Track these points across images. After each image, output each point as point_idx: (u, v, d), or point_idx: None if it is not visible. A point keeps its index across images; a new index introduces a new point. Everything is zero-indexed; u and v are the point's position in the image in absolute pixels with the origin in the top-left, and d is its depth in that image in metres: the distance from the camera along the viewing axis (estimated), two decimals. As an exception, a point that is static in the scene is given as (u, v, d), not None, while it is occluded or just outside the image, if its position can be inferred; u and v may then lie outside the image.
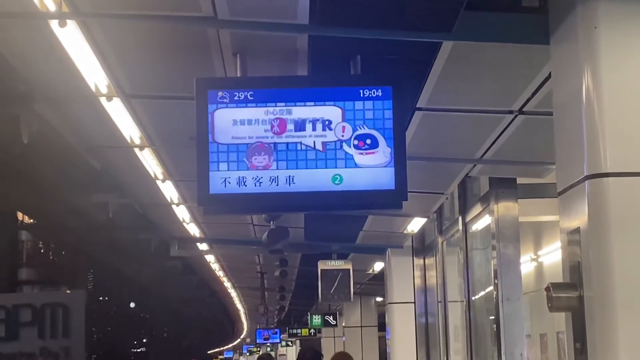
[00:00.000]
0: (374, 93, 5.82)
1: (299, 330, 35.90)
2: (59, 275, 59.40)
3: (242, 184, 5.75)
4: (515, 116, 7.07)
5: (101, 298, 79.27)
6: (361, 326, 26.77)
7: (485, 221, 9.93)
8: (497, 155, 8.25)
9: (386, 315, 15.86)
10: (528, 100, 6.66)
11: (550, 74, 5.56)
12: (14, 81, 7.64)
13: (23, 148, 9.83)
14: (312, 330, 33.47)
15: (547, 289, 4.78)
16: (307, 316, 30.45)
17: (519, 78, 6.31)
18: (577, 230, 4.72)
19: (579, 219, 4.71)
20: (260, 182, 5.75)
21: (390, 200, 5.92)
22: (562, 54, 5.05)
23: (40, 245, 63.01)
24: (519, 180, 9.28)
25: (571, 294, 4.72)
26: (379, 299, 25.80)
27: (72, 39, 5.95)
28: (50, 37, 5.85)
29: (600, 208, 4.54)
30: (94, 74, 6.67)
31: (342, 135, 5.78)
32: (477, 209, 10.07)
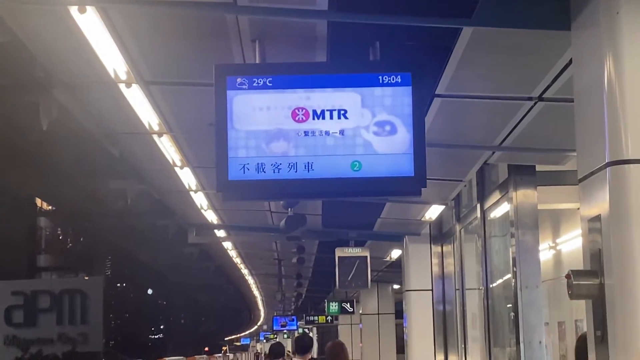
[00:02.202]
0: (393, 79, 5.79)
1: (316, 318, 36.00)
2: (77, 262, 59.65)
3: (261, 170, 5.74)
4: (535, 103, 7.04)
5: (119, 285, 79.50)
6: (378, 313, 26.79)
7: (503, 208, 9.90)
8: (516, 142, 8.21)
9: (403, 302, 15.85)
10: (548, 86, 6.62)
11: (571, 60, 5.52)
12: (33, 68, 7.66)
13: (42, 135, 9.88)
14: (329, 318, 33.57)
15: (568, 276, 4.76)
16: (324, 303, 30.52)
17: (539, 64, 6.27)
18: (598, 218, 4.70)
19: (599, 206, 4.69)
20: (279, 169, 5.74)
21: (409, 187, 5.90)
22: (583, 39, 5.01)
23: (59, 232, 63.30)
24: (538, 168, 9.25)
25: (592, 282, 4.69)
26: (396, 286, 25.81)
27: (91, 26, 5.95)
28: (70, 23, 5.86)
29: (622, 195, 4.51)
30: (113, 60, 6.67)
31: (361, 122, 5.76)
32: (496, 196, 10.05)
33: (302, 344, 10.06)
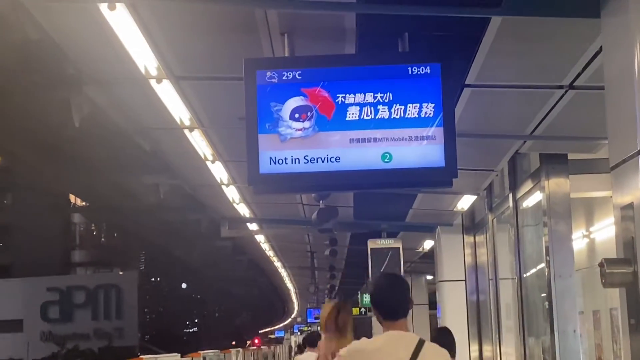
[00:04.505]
0: (422, 70, 5.79)
1: (349, 310, 35.96)
2: (111, 257, 60.06)
3: (292, 162, 5.77)
4: (566, 91, 7.01)
5: (153, 279, 79.94)
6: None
7: (536, 198, 9.87)
8: (547, 131, 8.18)
9: (437, 293, 15.83)
10: (579, 74, 6.59)
11: (601, 48, 5.49)
12: (64, 65, 7.72)
13: (74, 131, 9.95)
14: (362, 310, 33.57)
15: (601, 264, 4.74)
16: (357, 295, 30.52)
17: (569, 52, 6.24)
18: (630, 206, 4.67)
19: (632, 194, 4.66)
20: (310, 161, 5.76)
21: (440, 178, 5.90)
22: (613, 27, 4.98)
23: (93, 228, 63.72)
24: (570, 156, 9.21)
25: (625, 270, 4.67)
26: (429, 277, 25.78)
27: (121, 22, 5.99)
28: (100, 20, 5.90)
29: (654, 182, 4.48)
30: (143, 56, 6.71)
31: (391, 113, 5.76)
32: (528, 185, 10.01)
33: (311, 339, 11.91)
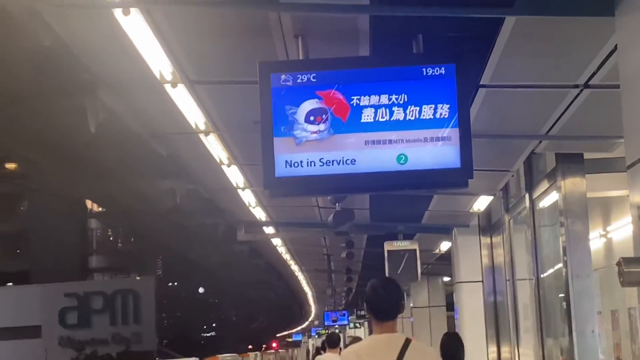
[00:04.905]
0: (437, 71, 5.78)
1: (366, 312, 35.94)
2: (128, 262, 60.22)
3: (307, 165, 5.76)
4: (581, 90, 6.99)
5: (170, 284, 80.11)
6: (429, 306, 26.73)
7: (552, 198, 9.84)
8: (563, 130, 8.16)
9: (454, 294, 15.80)
10: (594, 74, 6.57)
11: (615, 47, 5.47)
12: (79, 71, 7.76)
13: (90, 137, 9.98)
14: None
15: (619, 263, 4.72)
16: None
17: (583, 51, 6.22)
18: (647, 204, 4.66)
19: (649, 192, 4.65)
20: (326, 164, 5.76)
21: (455, 179, 5.89)
22: (627, 25, 4.97)
23: (109, 233, 63.88)
24: (586, 155, 9.18)
25: (643, 269, 4.65)
26: (446, 278, 25.73)
27: (135, 27, 6.01)
28: (114, 25, 5.91)
29: (671, 180, 4.46)
30: (158, 61, 6.72)
31: (406, 115, 5.76)
32: (544, 185, 9.98)
33: (332, 340, 13.30)
